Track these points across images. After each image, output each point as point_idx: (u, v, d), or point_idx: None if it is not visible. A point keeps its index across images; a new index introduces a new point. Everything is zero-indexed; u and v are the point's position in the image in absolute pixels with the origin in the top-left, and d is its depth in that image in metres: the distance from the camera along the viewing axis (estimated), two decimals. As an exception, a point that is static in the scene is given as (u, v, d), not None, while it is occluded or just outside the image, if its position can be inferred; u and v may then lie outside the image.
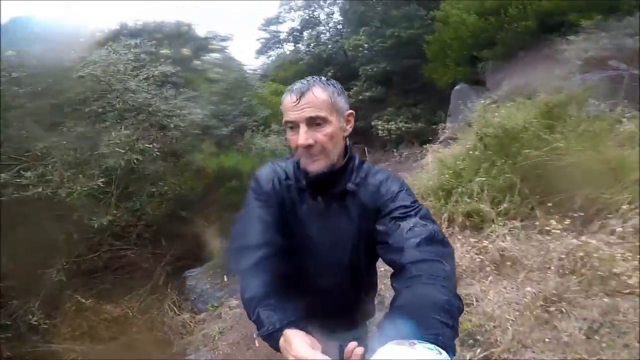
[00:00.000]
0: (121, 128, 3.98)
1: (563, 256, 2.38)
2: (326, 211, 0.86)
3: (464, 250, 2.97)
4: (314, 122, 0.78)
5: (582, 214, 2.70)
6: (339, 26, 15.98)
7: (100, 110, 4.30)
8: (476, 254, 2.89)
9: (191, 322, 3.78)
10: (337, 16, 15.97)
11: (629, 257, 2.17)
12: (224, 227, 4.54)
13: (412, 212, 0.78)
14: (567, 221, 2.63)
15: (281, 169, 0.89)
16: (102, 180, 3.64)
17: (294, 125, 0.80)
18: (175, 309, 4.04)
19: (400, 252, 0.71)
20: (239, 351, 2.92)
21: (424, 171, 4.65)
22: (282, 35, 17.81)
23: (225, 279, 4.24)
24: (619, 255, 2.20)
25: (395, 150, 9.84)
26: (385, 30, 11.45)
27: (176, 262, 4.89)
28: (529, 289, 2.28)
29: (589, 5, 5.24)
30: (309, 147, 0.79)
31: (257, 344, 2.83)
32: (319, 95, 0.78)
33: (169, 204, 4.99)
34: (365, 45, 12.51)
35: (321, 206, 0.86)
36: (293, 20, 16.94)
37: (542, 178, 3.21)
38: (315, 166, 0.80)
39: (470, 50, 7.62)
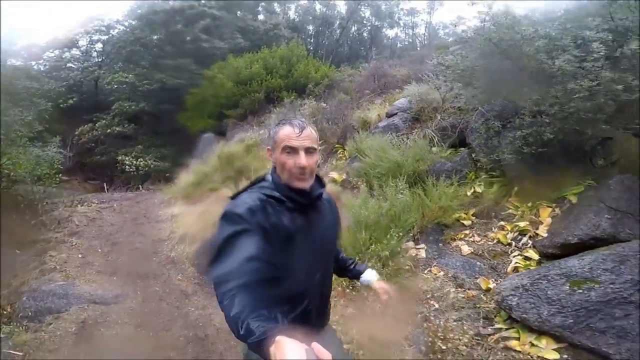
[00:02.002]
0: None
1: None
2: (313, 219, 1.11)
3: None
4: (308, 151, 1.05)
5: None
6: (97, 57, 15.51)
7: None
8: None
9: None
10: (99, 46, 15.55)
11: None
12: None
13: None
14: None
15: (263, 200, 1.03)
16: None
17: (293, 151, 1.04)
18: None
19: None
20: None
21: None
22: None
23: None
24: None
25: (140, 186, 9.67)
26: (154, 74, 12.18)
27: None
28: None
29: (289, 87, 8.18)
30: (304, 168, 1.04)
31: None
32: (312, 132, 1.08)
33: None
34: (129, 83, 12.62)
35: (309, 216, 1.10)
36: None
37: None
38: (304, 183, 1.06)
39: (221, 108, 9.51)
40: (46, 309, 2.91)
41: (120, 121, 11.63)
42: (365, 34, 24.29)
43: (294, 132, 1.05)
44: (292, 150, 1.05)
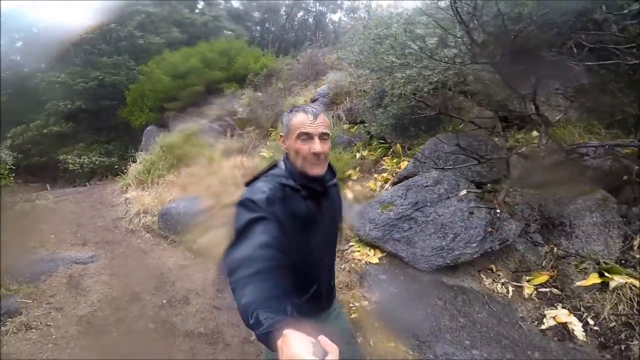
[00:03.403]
0: None
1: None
2: (324, 205, 1.23)
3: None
4: (322, 137, 1.14)
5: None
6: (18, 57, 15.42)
7: None
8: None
9: None
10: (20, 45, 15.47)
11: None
12: None
13: None
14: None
15: (279, 189, 1.12)
16: None
17: (308, 138, 1.13)
18: None
19: None
20: None
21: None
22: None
23: None
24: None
25: (88, 183, 10.29)
26: (90, 72, 12.63)
27: None
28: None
29: (230, 78, 9.36)
30: (319, 154, 1.13)
31: None
32: (325, 118, 1.17)
33: None
34: (61, 82, 12.89)
35: (321, 202, 1.21)
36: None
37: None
38: (319, 170, 1.16)
39: (161, 101, 10.34)
40: (39, 271, 3.98)
41: (56, 120, 11.99)
42: (310, 20, 25.53)
43: (309, 118, 1.13)
44: (307, 137, 1.13)
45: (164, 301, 3.39)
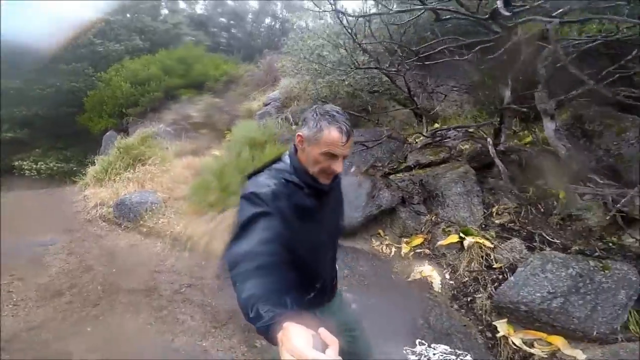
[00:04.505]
0: None
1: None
2: (326, 201, 1.35)
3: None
4: (345, 157, 1.24)
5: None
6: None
7: None
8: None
9: None
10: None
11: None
12: None
13: None
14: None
15: (284, 184, 1.21)
16: None
17: (333, 157, 1.21)
18: None
19: None
20: None
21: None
22: None
23: None
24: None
25: (46, 189, 10.74)
26: (46, 79, 13.12)
27: None
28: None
29: (188, 85, 10.28)
30: (337, 172, 1.25)
31: None
32: (352, 135, 1.24)
33: None
34: (15, 88, 13.25)
35: (323, 199, 1.32)
36: None
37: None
38: (329, 181, 1.28)
39: (120, 107, 11.09)
40: (3, 252, 4.70)
41: (10, 127, 12.38)
42: (277, 26, 26.79)
43: (342, 139, 1.18)
44: (332, 156, 1.20)
45: (113, 270, 4.25)
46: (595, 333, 2.71)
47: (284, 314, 0.80)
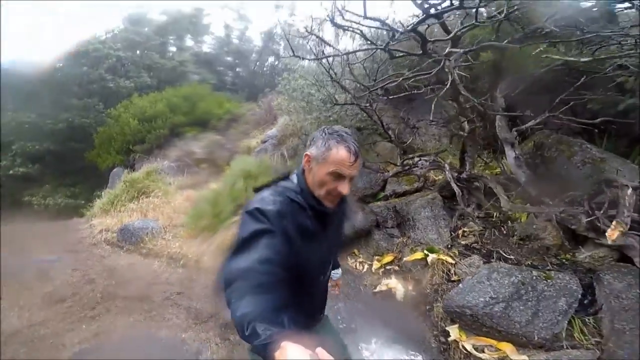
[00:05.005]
0: None
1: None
2: (328, 221, 1.36)
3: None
4: (352, 178, 1.26)
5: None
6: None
7: None
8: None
9: None
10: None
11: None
12: None
13: None
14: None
15: (288, 204, 1.24)
16: None
17: (340, 177, 1.23)
18: None
19: None
20: None
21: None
22: None
23: None
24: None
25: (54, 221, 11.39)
26: (59, 113, 14.20)
27: None
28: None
29: (192, 122, 11.21)
30: (343, 194, 1.25)
31: None
32: (360, 157, 1.26)
33: None
34: (31, 122, 14.24)
35: (325, 220, 1.34)
36: None
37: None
38: (334, 204, 1.31)
39: (128, 144, 12.00)
40: (14, 268, 5.30)
41: (23, 162, 13.27)
42: (280, 65, 28.37)
43: (349, 159, 1.21)
44: (339, 177, 1.22)
45: (113, 282, 4.80)
46: (536, 338, 3.06)
47: (282, 332, 0.83)
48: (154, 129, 11.67)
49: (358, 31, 3.79)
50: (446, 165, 4.54)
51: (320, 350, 0.74)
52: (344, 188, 1.24)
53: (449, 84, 3.50)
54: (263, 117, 12.20)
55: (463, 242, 4.47)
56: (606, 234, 3.40)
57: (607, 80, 3.86)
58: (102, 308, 4.12)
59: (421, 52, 3.57)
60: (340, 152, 1.21)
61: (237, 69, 25.61)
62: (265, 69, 26.08)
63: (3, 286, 4.63)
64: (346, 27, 3.70)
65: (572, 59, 3.36)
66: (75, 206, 11.94)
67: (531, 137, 4.77)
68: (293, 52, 4.21)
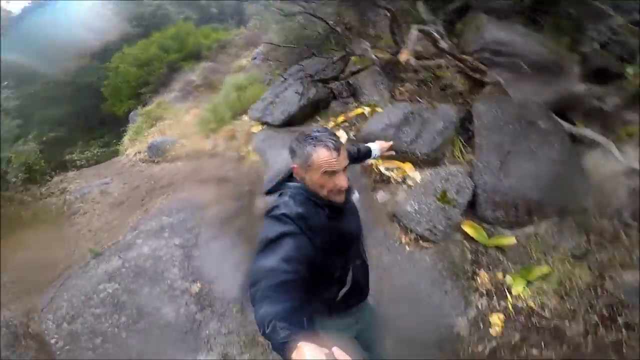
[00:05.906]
0: None
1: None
2: (346, 212, 1.45)
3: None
4: (345, 169, 1.32)
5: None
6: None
7: None
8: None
9: None
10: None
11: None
12: None
13: None
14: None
15: (306, 204, 1.31)
16: None
17: (332, 174, 1.29)
18: None
19: None
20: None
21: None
22: None
23: None
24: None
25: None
26: (63, 78, 15.70)
27: None
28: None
29: (186, 57, 12.55)
30: (344, 187, 1.32)
31: None
32: (344, 149, 1.33)
33: None
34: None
35: (341, 216, 1.42)
36: None
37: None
38: (343, 197, 1.37)
39: (135, 89, 13.46)
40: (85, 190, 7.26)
41: (51, 127, 14.88)
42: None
43: (332, 156, 1.26)
44: (331, 174, 1.28)
45: (152, 182, 6.68)
46: (419, 154, 4.04)
47: (300, 332, 0.89)
48: (153, 71, 12.98)
49: None
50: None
51: (336, 350, 0.78)
52: (342, 181, 1.31)
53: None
54: (251, 39, 13.10)
55: (399, 99, 5.67)
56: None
57: None
58: (147, 199, 5.96)
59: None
60: (321, 154, 1.27)
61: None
62: (249, -5, 25.65)
63: (81, 203, 6.55)
64: None
65: None
66: (111, 153, 13.43)
67: None
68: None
